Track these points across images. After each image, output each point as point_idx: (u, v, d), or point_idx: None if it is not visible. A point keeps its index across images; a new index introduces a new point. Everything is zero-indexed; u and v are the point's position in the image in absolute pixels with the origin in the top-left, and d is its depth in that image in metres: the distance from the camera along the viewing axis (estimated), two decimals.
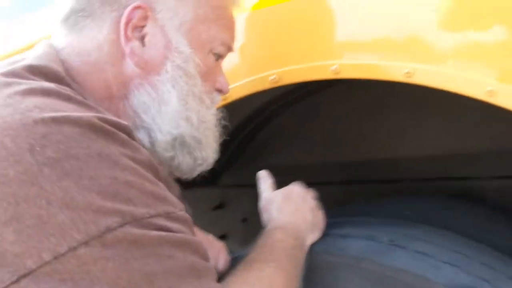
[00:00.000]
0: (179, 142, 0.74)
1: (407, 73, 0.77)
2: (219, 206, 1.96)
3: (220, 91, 0.82)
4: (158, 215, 0.57)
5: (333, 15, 0.85)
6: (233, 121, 1.47)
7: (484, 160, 1.34)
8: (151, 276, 0.53)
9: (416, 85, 1.00)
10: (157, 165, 0.64)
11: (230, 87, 0.96)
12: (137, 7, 0.70)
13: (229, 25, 0.79)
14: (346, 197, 1.63)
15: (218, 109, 0.83)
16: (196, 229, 0.82)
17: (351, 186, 1.62)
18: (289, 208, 0.91)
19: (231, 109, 1.03)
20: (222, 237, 2.04)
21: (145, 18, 0.71)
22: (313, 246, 0.89)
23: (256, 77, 0.93)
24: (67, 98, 0.60)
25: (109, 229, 0.51)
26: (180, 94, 0.72)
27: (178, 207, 0.62)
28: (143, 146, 0.66)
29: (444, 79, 0.74)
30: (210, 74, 0.78)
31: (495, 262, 0.86)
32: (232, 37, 0.80)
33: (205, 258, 0.63)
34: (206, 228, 2.04)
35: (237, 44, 0.90)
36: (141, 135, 0.72)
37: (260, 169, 1.77)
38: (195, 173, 0.80)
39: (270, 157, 1.73)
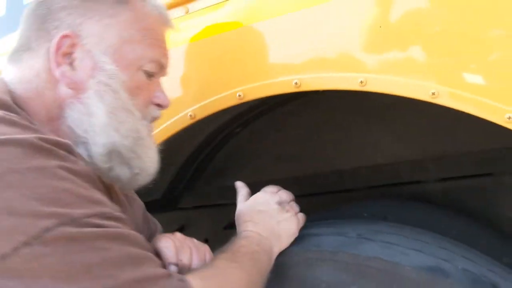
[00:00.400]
0: (115, 153, 0.80)
1: (361, 82, 0.87)
2: (180, 229, 1.98)
3: (159, 105, 0.88)
4: (93, 215, 0.65)
5: (291, 34, 0.95)
6: (193, 143, 1.53)
7: (428, 164, 1.46)
8: (89, 267, 0.60)
9: (365, 99, 1.11)
10: (95, 176, 0.73)
11: (199, 104, 1.04)
12: (65, 36, 0.79)
13: (156, 44, 0.85)
14: (303, 210, 1.71)
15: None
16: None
17: (306, 199, 1.70)
18: (253, 218, 0.96)
19: (192, 130, 1.10)
20: None
21: (73, 45, 0.80)
22: (290, 246, 0.95)
23: (225, 94, 1.00)
24: (12, 123, 0.69)
25: (47, 230, 0.59)
26: (107, 107, 0.79)
27: (115, 210, 0.71)
28: (83, 160, 0.76)
29: (394, 86, 0.84)
30: (142, 89, 0.84)
31: (450, 246, 0.96)
32: (161, 55, 0.87)
33: (146, 249, 0.71)
34: None
35: (206, 65, 0.97)
36: (81, 150, 0.78)
37: (218, 190, 1.84)
38: (135, 184, 0.85)
39: (228, 177, 1.78)
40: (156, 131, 1.09)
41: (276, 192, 1.04)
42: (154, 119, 0.89)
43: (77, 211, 0.63)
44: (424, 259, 0.86)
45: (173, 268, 0.78)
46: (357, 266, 0.87)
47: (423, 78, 0.83)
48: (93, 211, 0.65)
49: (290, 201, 1.05)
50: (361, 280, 0.86)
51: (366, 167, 1.54)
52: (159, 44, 0.86)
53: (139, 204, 1.07)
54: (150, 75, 0.85)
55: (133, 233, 0.70)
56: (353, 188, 1.59)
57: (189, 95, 1.06)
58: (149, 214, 1.11)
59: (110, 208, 0.70)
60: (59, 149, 0.68)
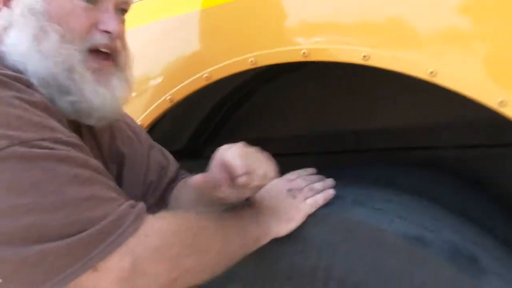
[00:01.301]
0: (48, 81, 0.85)
1: (364, 56, 0.90)
2: None
3: (106, 31, 0.89)
4: (44, 139, 0.72)
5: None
6: (215, 97, 1.59)
7: (444, 130, 1.47)
8: (37, 183, 0.69)
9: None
10: (54, 107, 0.80)
11: (213, 68, 1.09)
12: None
13: None
14: (317, 167, 1.77)
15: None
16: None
17: (321, 157, 1.75)
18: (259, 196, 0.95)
19: (213, 87, 1.17)
20: None
21: None
22: None
23: (238, 59, 1.05)
24: None
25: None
26: (29, 35, 0.85)
27: (69, 136, 0.77)
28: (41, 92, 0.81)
29: (394, 62, 0.87)
30: (78, 15, 0.87)
31: (442, 216, 1.01)
32: None
33: (98, 172, 0.77)
34: None
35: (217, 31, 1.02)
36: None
37: (242, 141, 1.91)
38: (84, 114, 0.89)
39: (249, 131, 1.85)
40: (174, 89, 1.17)
41: (293, 180, 1.03)
42: (102, 45, 0.89)
43: (28, 135, 0.71)
44: (409, 228, 0.92)
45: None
46: (345, 229, 0.94)
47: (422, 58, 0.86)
48: (43, 136, 0.72)
49: (305, 187, 1.01)
50: (349, 243, 0.93)
51: (377, 130, 1.57)
52: None
53: (143, 141, 1.14)
54: (88, 0, 0.87)
55: (84, 157, 0.76)
56: (362, 149, 1.63)
57: (205, 58, 1.11)
58: (158, 152, 1.17)
59: (62, 133, 0.76)
60: (17, 82, 0.76)
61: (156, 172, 1.12)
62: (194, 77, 1.11)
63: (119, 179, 1.09)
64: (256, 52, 1.03)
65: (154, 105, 1.19)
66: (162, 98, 1.18)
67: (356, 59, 0.92)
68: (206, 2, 1.12)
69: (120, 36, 0.92)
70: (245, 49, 1.04)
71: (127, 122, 1.13)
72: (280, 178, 1.01)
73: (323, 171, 1.75)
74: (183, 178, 1.16)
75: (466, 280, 0.84)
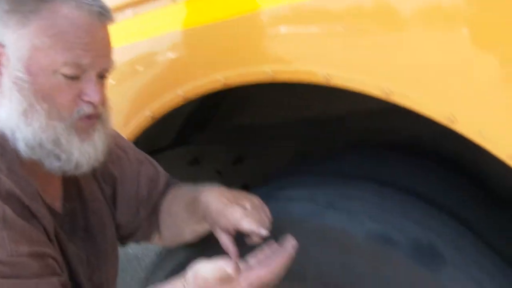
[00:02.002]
0: (38, 147, 0.92)
1: (326, 78, 0.97)
2: (194, 161, 2.15)
3: (89, 102, 0.94)
4: None
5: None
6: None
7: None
8: None
9: None
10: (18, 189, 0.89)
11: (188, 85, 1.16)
12: None
13: (71, 47, 0.89)
14: (303, 149, 1.86)
15: None
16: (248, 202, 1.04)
17: (306, 139, 1.83)
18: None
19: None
20: None
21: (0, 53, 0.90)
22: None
23: (208, 80, 1.12)
24: None
25: None
26: (18, 109, 0.90)
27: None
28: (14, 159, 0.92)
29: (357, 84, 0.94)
30: (61, 91, 0.91)
31: (408, 210, 1.10)
32: (77, 56, 0.90)
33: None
34: (185, 181, 2.24)
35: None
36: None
37: (228, 129, 1.98)
38: (69, 172, 0.97)
39: (237, 118, 1.91)
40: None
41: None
42: (90, 115, 0.95)
43: None
44: (377, 228, 1.01)
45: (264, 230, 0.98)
46: (319, 235, 1.03)
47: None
48: None
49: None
50: (321, 245, 1.03)
51: (359, 112, 1.64)
52: (75, 46, 0.90)
53: (132, 159, 1.23)
54: (71, 77, 0.91)
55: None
56: (344, 132, 1.70)
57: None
58: (148, 166, 1.25)
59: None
60: None
61: (146, 186, 1.21)
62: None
63: (113, 199, 1.18)
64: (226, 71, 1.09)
65: (135, 120, 1.26)
66: (143, 115, 1.25)
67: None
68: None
69: (102, 100, 0.97)
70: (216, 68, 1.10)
71: (116, 141, 1.20)
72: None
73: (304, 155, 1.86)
74: (172, 188, 1.24)
75: (428, 274, 0.95)
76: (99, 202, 1.14)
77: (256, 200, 1.05)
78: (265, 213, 1.03)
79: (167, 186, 1.25)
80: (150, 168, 1.24)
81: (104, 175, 1.16)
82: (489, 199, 1.46)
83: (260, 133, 1.92)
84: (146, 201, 1.20)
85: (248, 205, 1.02)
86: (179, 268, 1.24)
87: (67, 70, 0.90)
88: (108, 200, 1.17)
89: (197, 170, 2.15)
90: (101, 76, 0.98)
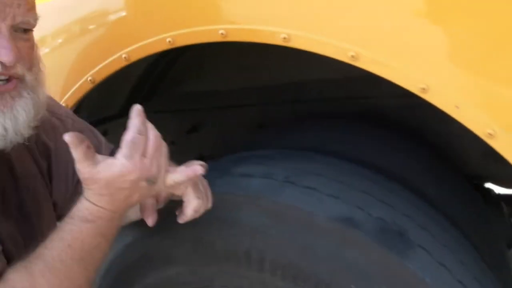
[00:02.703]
0: None
1: (284, 38, 0.86)
2: None
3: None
4: None
5: None
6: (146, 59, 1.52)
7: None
8: None
9: None
10: None
11: (131, 47, 1.02)
12: None
13: None
14: (263, 117, 1.77)
15: None
16: None
17: (266, 107, 1.74)
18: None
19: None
20: None
21: None
22: (218, 187, 1.00)
23: (154, 39, 0.99)
24: None
25: None
26: None
27: None
28: None
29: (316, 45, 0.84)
30: None
31: (372, 188, 1.02)
32: None
33: None
34: None
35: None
36: None
37: (181, 96, 1.87)
38: None
39: (188, 84, 1.80)
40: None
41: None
42: (6, 78, 0.79)
43: None
44: (338, 208, 0.92)
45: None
46: (276, 212, 0.94)
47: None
48: None
49: None
50: (280, 225, 0.93)
51: (320, 80, 1.56)
52: None
53: (70, 129, 1.07)
54: None
55: None
56: (305, 100, 1.62)
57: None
58: (89, 136, 1.10)
59: None
60: None
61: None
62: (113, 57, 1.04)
63: (49, 174, 1.05)
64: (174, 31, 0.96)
65: (76, 86, 1.12)
66: (83, 79, 1.11)
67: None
68: None
69: (23, 58, 0.80)
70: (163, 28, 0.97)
71: (51, 108, 1.05)
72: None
73: (266, 121, 1.77)
74: None
75: (393, 257, 0.87)
76: (33, 178, 1.00)
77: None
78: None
79: None
80: (91, 139, 1.10)
81: (39, 147, 1.02)
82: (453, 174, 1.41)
83: (217, 100, 1.82)
84: None
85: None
86: (128, 249, 1.14)
87: None
88: (45, 176, 1.04)
89: None
90: (21, 30, 0.81)
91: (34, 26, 0.83)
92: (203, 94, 1.82)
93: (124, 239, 1.15)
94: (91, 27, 1.11)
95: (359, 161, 1.18)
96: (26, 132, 0.84)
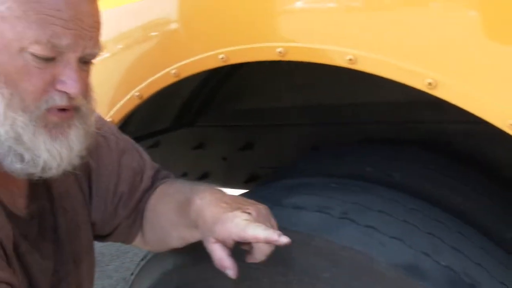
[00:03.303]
0: None
1: (350, 60, 0.76)
2: (199, 146, 1.99)
3: (63, 92, 0.75)
4: None
5: None
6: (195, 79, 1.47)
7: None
8: None
9: None
10: None
11: (180, 63, 0.96)
12: None
13: (46, 21, 0.71)
14: (318, 138, 1.67)
15: None
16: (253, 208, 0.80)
17: (321, 128, 1.65)
18: None
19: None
20: (204, 175, 2.10)
21: None
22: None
23: (206, 55, 0.92)
24: None
25: None
26: None
27: None
28: None
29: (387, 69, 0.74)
30: (30, 75, 0.72)
31: (441, 229, 0.90)
32: (54, 34, 0.71)
33: None
34: (188, 167, 2.10)
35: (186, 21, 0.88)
36: None
37: (232, 112, 1.81)
38: (36, 175, 0.78)
39: (242, 101, 1.74)
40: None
41: None
42: (60, 106, 0.76)
43: None
44: (402, 253, 0.81)
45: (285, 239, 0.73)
46: (331, 254, 0.84)
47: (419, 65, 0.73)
48: None
49: None
50: (334, 268, 0.83)
51: (380, 103, 1.46)
52: (53, 21, 0.71)
53: (113, 147, 1.02)
54: (44, 58, 0.72)
55: None
56: (364, 122, 1.52)
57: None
58: (134, 155, 1.05)
59: None
60: None
61: (128, 181, 1.01)
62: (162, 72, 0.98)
63: (89, 194, 0.99)
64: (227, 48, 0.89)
65: (122, 101, 1.07)
66: (130, 94, 1.05)
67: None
68: None
69: (83, 90, 0.77)
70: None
71: (97, 126, 0.99)
72: None
73: (318, 142, 1.68)
74: (161, 184, 1.04)
75: None
76: (73, 198, 0.95)
77: (263, 208, 0.83)
78: (273, 226, 0.81)
79: (155, 180, 1.05)
80: (135, 158, 1.04)
81: (81, 166, 0.96)
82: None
83: (271, 118, 1.74)
84: (127, 198, 1.01)
85: (253, 212, 0.79)
86: (165, 277, 1.07)
87: (39, 50, 0.70)
88: (86, 195, 0.98)
89: (201, 156, 1.99)
90: (85, 62, 0.78)
91: (97, 57, 0.80)
92: (257, 111, 1.75)
93: (163, 266, 1.08)
94: (140, 40, 1.05)
95: (425, 196, 1.06)
96: (77, 161, 0.81)
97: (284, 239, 0.73)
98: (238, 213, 0.78)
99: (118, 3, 1.06)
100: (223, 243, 0.80)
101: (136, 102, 1.07)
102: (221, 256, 0.79)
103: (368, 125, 1.55)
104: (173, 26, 1.00)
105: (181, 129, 1.79)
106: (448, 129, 1.41)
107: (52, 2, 0.71)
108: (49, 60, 0.72)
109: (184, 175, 2.09)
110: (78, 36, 0.73)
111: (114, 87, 1.10)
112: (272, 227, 0.80)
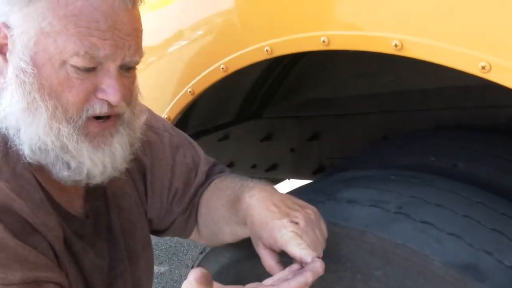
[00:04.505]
0: (44, 153, 0.76)
1: (396, 45, 0.71)
2: (267, 137, 1.99)
3: (104, 100, 0.77)
4: None
5: None
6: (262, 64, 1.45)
7: None
8: None
9: None
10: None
11: (227, 58, 0.95)
12: None
13: (84, 33, 0.72)
14: (385, 127, 1.60)
15: None
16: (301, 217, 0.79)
17: (388, 116, 1.58)
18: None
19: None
20: (273, 166, 2.10)
21: (5, 36, 0.74)
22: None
23: (251, 48, 0.90)
24: None
25: None
26: (20, 106, 0.74)
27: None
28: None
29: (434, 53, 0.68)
30: (71, 86, 0.74)
31: (508, 224, 0.83)
32: (92, 45, 0.73)
33: None
34: (257, 159, 2.10)
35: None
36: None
37: (298, 103, 1.78)
38: (82, 180, 0.80)
39: (307, 91, 1.71)
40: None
41: None
42: (102, 114, 0.78)
43: None
44: (460, 252, 0.76)
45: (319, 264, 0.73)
46: (384, 251, 0.80)
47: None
48: None
49: None
50: (387, 267, 0.79)
51: (452, 87, 1.37)
52: (90, 33, 0.73)
53: (167, 144, 1.04)
54: (83, 69, 0.74)
55: None
56: (432, 108, 1.44)
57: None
58: (187, 151, 1.06)
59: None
60: None
61: (182, 178, 1.02)
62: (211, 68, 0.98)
63: (144, 192, 1.01)
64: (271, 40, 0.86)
65: (176, 98, 1.08)
66: (183, 91, 1.06)
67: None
68: None
69: (125, 97, 0.79)
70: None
71: (150, 124, 1.02)
72: None
73: (386, 130, 1.61)
74: (216, 179, 1.04)
75: None
76: (128, 197, 0.98)
77: (312, 212, 0.82)
78: (321, 231, 0.80)
79: (210, 175, 1.06)
80: (189, 154, 1.05)
81: (135, 164, 0.99)
82: None
83: (338, 108, 1.70)
84: (181, 194, 1.02)
85: (301, 221, 0.78)
86: (222, 271, 1.07)
87: (78, 62, 0.73)
88: (140, 193, 1.01)
89: (269, 147, 1.99)
90: (127, 68, 0.79)
91: (139, 63, 0.81)
92: (323, 101, 1.72)
93: (220, 260, 1.09)
94: (190, 38, 1.06)
95: (494, 188, 0.98)
96: (123, 166, 0.83)
97: (316, 267, 0.72)
98: (285, 223, 0.78)
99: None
100: (270, 248, 0.80)
101: (189, 98, 1.07)
102: (270, 264, 0.81)
103: (439, 112, 1.46)
104: (219, 22, 0.99)
105: (247, 121, 1.80)
106: None
107: (90, 15, 0.72)
108: (89, 70, 0.74)
109: (254, 167, 2.11)
110: (116, 45, 0.74)
111: (168, 85, 1.12)
112: (320, 232, 0.79)
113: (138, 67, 0.83)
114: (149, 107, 1.00)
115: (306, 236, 0.76)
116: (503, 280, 0.71)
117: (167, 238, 3.40)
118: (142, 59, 0.82)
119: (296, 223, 0.78)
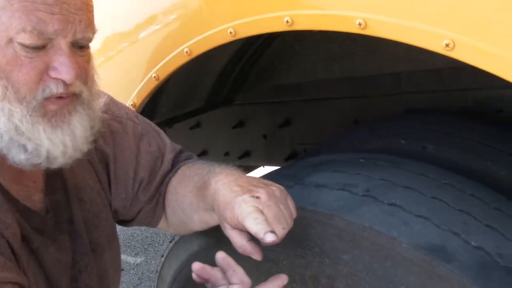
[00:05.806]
0: None
1: (360, 24, 0.70)
2: (239, 124, 1.97)
3: (58, 79, 0.73)
4: None
5: None
6: (231, 47, 1.43)
7: None
8: None
9: None
10: None
11: (191, 41, 0.92)
12: None
13: (30, 8, 0.68)
14: (357, 111, 1.60)
15: None
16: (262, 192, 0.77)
17: (360, 101, 1.58)
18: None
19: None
20: (246, 153, 2.08)
21: None
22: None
23: (215, 31, 0.87)
24: None
25: None
26: None
27: None
28: None
29: (398, 32, 0.67)
30: (21, 64, 0.70)
31: (476, 206, 0.82)
32: (40, 21, 0.69)
33: None
34: (229, 146, 2.09)
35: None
36: None
37: (270, 88, 1.76)
38: (42, 166, 0.77)
39: (278, 77, 1.69)
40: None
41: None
42: (57, 94, 0.74)
43: None
44: (428, 233, 0.75)
45: (271, 237, 0.72)
46: (351, 234, 0.79)
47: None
48: None
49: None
50: (355, 250, 0.78)
51: (423, 70, 1.37)
52: (35, 7, 0.68)
53: (131, 132, 1.00)
54: (32, 47, 0.70)
55: None
56: (405, 91, 1.43)
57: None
58: (152, 140, 1.03)
59: None
60: None
61: (147, 166, 0.99)
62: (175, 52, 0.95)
63: (108, 181, 0.98)
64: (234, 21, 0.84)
65: (141, 84, 1.05)
66: (148, 77, 1.03)
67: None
68: None
69: (81, 74, 0.76)
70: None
71: (112, 112, 0.99)
72: None
73: (359, 115, 1.60)
74: (182, 166, 1.02)
75: None
76: (90, 189, 0.95)
77: (277, 189, 0.80)
78: (287, 207, 0.78)
79: (176, 163, 1.03)
80: (154, 142, 1.02)
81: (97, 154, 0.96)
82: None
83: (309, 93, 1.69)
84: (147, 182, 0.99)
85: (263, 195, 0.76)
86: (192, 259, 1.05)
87: (25, 39, 0.69)
88: (104, 184, 0.98)
89: (242, 134, 1.97)
90: (80, 46, 0.75)
91: (92, 40, 0.77)
92: (294, 86, 1.70)
93: (190, 248, 1.07)
94: (155, 21, 1.02)
95: (464, 169, 0.98)
96: (85, 147, 0.80)
97: (268, 239, 0.71)
98: (246, 198, 0.76)
99: None
100: (236, 228, 0.78)
101: (155, 83, 1.04)
102: (241, 243, 0.78)
103: (410, 95, 1.46)
104: (183, 5, 0.96)
105: (218, 108, 1.77)
106: (498, 95, 1.31)
107: None
108: (38, 48, 0.71)
109: (227, 155, 2.09)
110: (65, 20, 0.71)
111: (134, 71, 1.09)
112: (286, 209, 0.77)
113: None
114: (115, 93, 0.97)
115: (268, 210, 0.74)
116: (469, 261, 0.71)
117: (142, 228, 3.37)
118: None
119: (258, 197, 0.76)
